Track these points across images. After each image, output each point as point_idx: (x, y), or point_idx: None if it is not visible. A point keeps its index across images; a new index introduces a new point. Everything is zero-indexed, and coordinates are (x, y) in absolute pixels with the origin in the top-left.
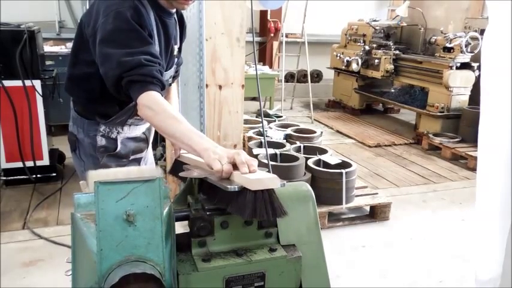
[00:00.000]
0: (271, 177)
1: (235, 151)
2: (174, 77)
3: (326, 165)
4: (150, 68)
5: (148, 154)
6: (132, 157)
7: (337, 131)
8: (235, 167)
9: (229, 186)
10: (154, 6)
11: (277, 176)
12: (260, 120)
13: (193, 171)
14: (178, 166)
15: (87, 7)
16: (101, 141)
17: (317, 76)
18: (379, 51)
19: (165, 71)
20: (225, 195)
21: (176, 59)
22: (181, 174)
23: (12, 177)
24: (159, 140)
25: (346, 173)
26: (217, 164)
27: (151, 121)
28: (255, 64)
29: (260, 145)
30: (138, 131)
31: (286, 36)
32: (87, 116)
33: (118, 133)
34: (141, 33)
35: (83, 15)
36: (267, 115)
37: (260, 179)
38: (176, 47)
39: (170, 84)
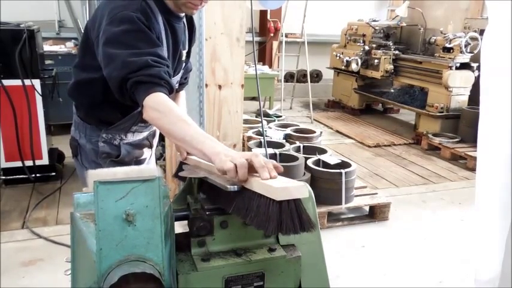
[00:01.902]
0: (298, 185)
1: (252, 153)
2: (183, 84)
3: (325, 165)
4: (157, 69)
5: (152, 159)
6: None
7: (337, 131)
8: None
9: (228, 186)
10: (162, 9)
11: (306, 183)
12: (260, 120)
13: (197, 171)
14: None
15: (87, 7)
16: (103, 147)
17: (317, 76)
18: (379, 51)
19: (173, 76)
20: (242, 204)
21: (184, 64)
22: (182, 173)
23: (11, 177)
24: (159, 139)
25: (345, 173)
26: (228, 164)
27: (157, 124)
28: (255, 64)
29: (260, 145)
30: (141, 137)
31: (286, 36)
32: (90, 122)
33: (121, 139)
34: (149, 35)
35: (88, 21)
36: (266, 115)
37: (286, 187)
38: (184, 52)
39: (178, 91)
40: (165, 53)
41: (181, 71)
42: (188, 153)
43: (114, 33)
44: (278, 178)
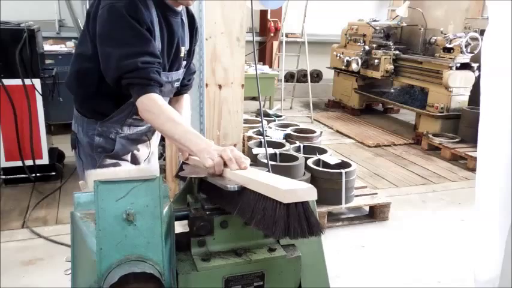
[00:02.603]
0: (306, 187)
1: (223, 148)
2: (186, 86)
3: (326, 165)
4: (147, 70)
5: (152, 158)
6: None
7: (337, 131)
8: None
9: (228, 186)
10: (158, 3)
11: (313, 186)
12: (260, 119)
13: (197, 170)
14: None
15: (87, 6)
16: (99, 140)
17: (317, 76)
18: (379, 51)
19: (169, 71)
20: (248, 206)
21: (185, 62)
22: (182, 173)
23: (11, 176)
24: (159, 140)
25: (345, 173)
26: (209, 161)
27: (152, 124)
28: (255, 64)
29: (260, 145)
30: (138, 131)
31: (286, 36)
32: (86, 114)
33: (117, 133)
34: (138, 30)
35: (89, 7)
36: (266, 115)
37: (294, 189)
38: (183, 49)
39: (181, 94)
40: (157, 45)
41: (182, 70)
42: (190, 154)
43: (105, 26)
44: (285, 179)
